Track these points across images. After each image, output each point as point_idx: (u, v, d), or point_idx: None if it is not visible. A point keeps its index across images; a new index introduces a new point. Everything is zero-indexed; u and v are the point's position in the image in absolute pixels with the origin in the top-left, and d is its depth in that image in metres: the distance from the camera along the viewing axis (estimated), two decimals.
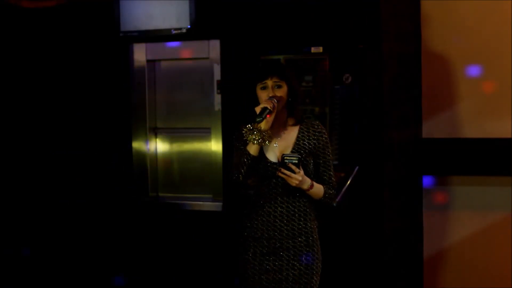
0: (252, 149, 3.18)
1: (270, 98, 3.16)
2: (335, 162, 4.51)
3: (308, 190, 3.18)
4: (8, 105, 5.64)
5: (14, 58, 5.59)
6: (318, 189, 3.22)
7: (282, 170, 3.11)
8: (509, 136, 4.52)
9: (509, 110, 4.54)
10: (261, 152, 3.22)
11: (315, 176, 3.26)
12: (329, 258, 3.56)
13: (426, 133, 4.71)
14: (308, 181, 3.16)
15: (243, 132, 3.16)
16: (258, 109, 3.11)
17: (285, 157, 3.11)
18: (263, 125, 3.14)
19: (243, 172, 3.21)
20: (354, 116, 4.56)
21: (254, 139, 3.14)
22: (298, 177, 3.10)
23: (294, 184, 3.12)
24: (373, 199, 4.49)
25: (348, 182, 4.42)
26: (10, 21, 5.54)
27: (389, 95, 4.51)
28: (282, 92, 3.20)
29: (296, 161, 3.10)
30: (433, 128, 4.69)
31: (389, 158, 4.50)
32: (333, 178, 3.28)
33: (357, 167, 4.47)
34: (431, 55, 4.67)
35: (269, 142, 3.18)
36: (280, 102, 3.18)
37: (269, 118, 3.13)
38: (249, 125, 3.15)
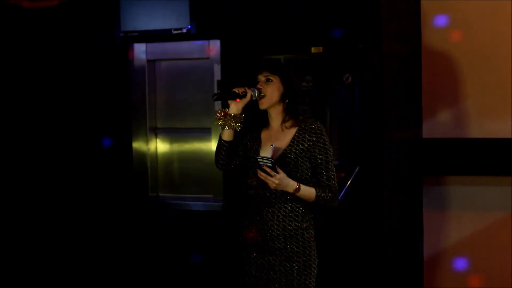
0: (224, 134, 3.23)
1: (251, 88, 3.19)
2: (335, 162, 4.51)
3: (294, 193, 3.13)
4: (8, 105, 5.64)
5: (14, 58, 5.59)
6: (308, 192, 3.15)
7: (259, 172, 3.09)
8: (509, 136, 4.52)
9: (509, 110, 4.54)
10: (256, 151, 3.23)
11: (313, 178, 3.22)
12: (329, 258, 3.56)
13: (426, 133, 4.71)
14: (292, 184, 3.11)
15: (215, 117, 3.22)
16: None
17: (259, 159, 3.08)
18: (231, 110, 3.18)
19: (221, 159, 3.28)
20: (354, 116, 4.56)
21: (222, 124, 3.19)
22: (274, 180, 3.06)
23: (273, 187, 3.09)
24: (373, 199, 4.49)
25: (349, 182, 4.41)
26: (10, 21, 5.54)
27: (389, 95, 4.51)
28: (272, 86, 3.20)
29: (270, 164, 3.05)
30: (433, 128, 4.69)
31: (389, 158, 4.49)
32: (333, 180, 3.19)
33: (358, 167, 4.47)
34: (431, 55, 4.68)
35: (239, 126, 3.19)
36: (267, 96, 3.18)
37: (239, 103, 3.16)
38: (220, 110, 3.20)
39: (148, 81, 5.49)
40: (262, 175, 3.08)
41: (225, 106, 3.23)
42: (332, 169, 3.21)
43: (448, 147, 4.62)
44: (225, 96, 3.19)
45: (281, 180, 3.08)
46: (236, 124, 3.19)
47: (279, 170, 3.08)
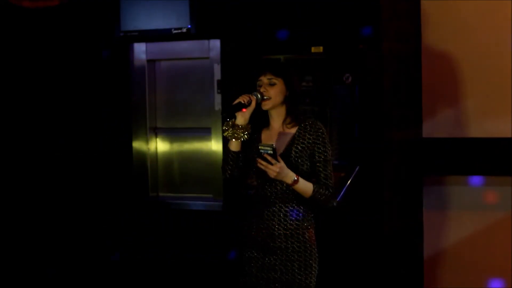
0: (232, 145, 3.22)
1: (254, 93, 3.18)
2: (335, 162, 4.52)
3: (292, 184, 3.13)
4: (8, 105, 5.64)
5: (14, 58, 5.59)
6: (306, 186, 3.15)
7: (259, 160, 3.09)
8: (509, 136, 4.53)
9: (509, 110, 4.54)
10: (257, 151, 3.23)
11: (312, 177, 3.21)
12: (329, 258, 3.57)
13: (426, 133, 4.72)
14: (291, 175, 3.11)
15: (222, 128, 3.21)
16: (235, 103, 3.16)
17: (260, 147, 3.09)
18: (238, 120, 3.17)
19: (229, 169, 3.25)
20: (354, 116, 4.55)
21: (230, 135, 3.18)
22: (275, 169, 3.07)
23: (273, 176, 3.09)
24: (373, 199, 4.49)
25: (349, 182, 4.41)
26: (10, 21, 5.54)
27: (389, 95, 4.51)
28: (275, 89, 3.20)
29: (271, 152, 3.06)
30: (433, 128, 4.70)
31: (389, 158, 4.50)
32: (330, 179, 3.21)
33: (358, 167, 4.47)
34: (431, 55, 4.68)
35: (247, 137, 3.19)
36: (270, 99, 3.19)
37: (245, 113, 3.16)
38: (227, 121, 3.19)
39: (148, 81, 5.49)
40: (262, 163, 3.08)
41: (227, 118, 3.22)
42: (330, 168, 3.22)
43: (448, 147, 4.62)
44: (233, 109, 3.17)
45: (281, 169, 3.08)
46: (244, 134, 3.19)
47: (279, 158, 3.10)
